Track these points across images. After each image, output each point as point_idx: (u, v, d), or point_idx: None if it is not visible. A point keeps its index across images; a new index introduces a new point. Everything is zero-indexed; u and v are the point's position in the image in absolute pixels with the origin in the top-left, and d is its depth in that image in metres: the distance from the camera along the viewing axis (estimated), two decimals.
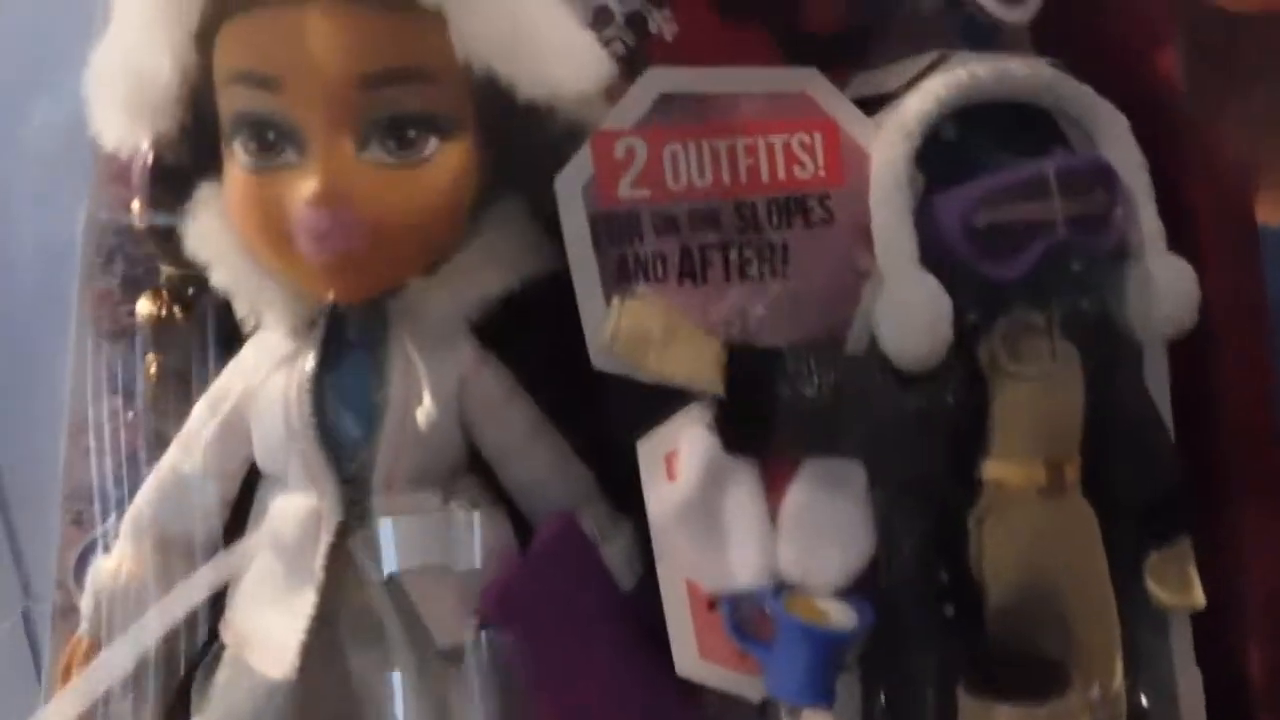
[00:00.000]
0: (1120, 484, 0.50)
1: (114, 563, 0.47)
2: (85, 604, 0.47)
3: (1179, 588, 0.52)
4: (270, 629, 0.44)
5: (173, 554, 0.47)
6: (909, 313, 0.45)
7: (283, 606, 0.44)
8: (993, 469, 0.47)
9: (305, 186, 0.40)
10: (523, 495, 0.49)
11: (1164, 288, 0.47)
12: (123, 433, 0.50)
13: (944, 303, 0.45)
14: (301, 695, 0.44)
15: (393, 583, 0.44)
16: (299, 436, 0.44)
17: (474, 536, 0.45)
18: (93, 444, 0.50)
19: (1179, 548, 0.52)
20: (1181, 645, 0.53)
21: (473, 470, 0.49)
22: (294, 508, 0.45)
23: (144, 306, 0.49)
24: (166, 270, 0.49)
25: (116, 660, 0.43)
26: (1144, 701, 0.52)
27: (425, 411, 0.42)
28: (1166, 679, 0.53)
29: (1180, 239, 0.50)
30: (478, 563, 0.45)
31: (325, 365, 0.44)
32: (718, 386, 0.46)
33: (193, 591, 0.44)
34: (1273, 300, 0.55)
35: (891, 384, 0.46)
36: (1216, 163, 0.51)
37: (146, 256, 0.49)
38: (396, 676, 0.43)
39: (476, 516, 0.46)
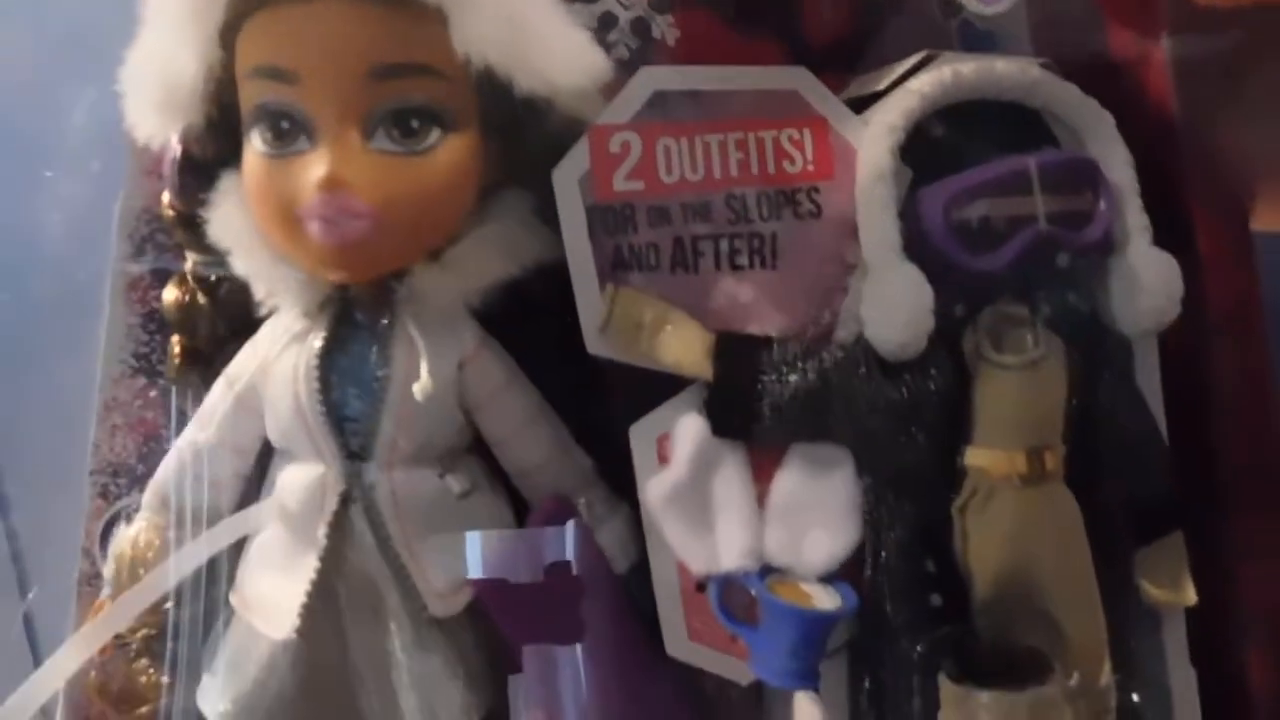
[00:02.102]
0: (1111, 481, 0.51)
1: (134, 531, 0.49)
2: (107, 570, 0.50)
3: (1170, 584, 0.52)
4: (274, 592, 0.47)
5: (188, 524, 0.49)
6: (891, 301, 0.46)
7: (286, 571, 0.46)
8: (974, 456, 0.47)
9: (314, 172, 0.43)
10: (522, 479, 0.51)
11: (1148, 281, 0.48)
12: (147, 412, 0.53)
13: (925, 291, 0.46)
14: (303, 656, 0.46)
15: (389, 551, 0.46)
16: (306, 410, 0.46)
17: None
18: (119, 422, 0.53)
19: (1170, 544, 0.52)
20: (1175, 644, 0.53)
21: (475, 452, 0.52)
22: (300, 479, 0.47)
23: (169, 293, 0.52)
24: (192, 258, 0.52)
25: (122, 613, 0.45)
26: (1135, 698, 0.52)
27: (422, 386, 0.44)
28: (1160, 678, 0.53)
29: (1175, 242, 0.51)
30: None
31: (333, 345, 0.47)
32: (706, 371, 0.48)
33: (202, 549, 0.47)
34: (1270, 305, 0.55)
35: (875, 372, 0.47)
36: (1211, 164, 0.52)
37: (176, 245, 0.52)
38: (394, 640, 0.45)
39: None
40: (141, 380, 0.53)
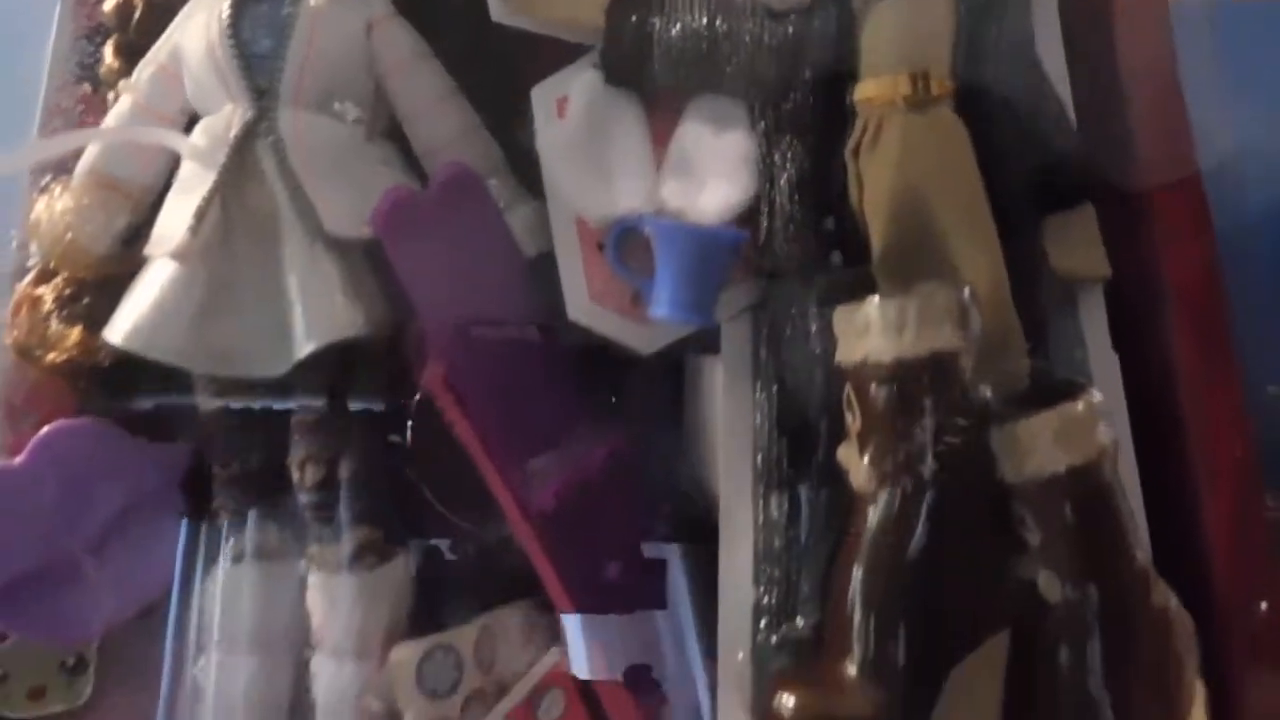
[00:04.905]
0: (1015, 149, 0.51)
1: (50, 199, 0.51)
2: (32, 243, 0.53)
3: (1081, 255, 0.51)
4: (174, 215, 0.48)
5: (110, 191, 0.51)
6: None
7: (187, 194, 0.48)
8: (861, 90, 0.48)
9: None
10: (431, 159, 0.53)
11: None
12: (88, 117, 0.56)
13: None
14: (199, 276, 0.47)
15: (290, 179, 0.48)
16: (217, 47, 0.49)
17: None
18: (60, 125, 0.56)
19: (1080, 214, 0.51)
20: (1093, 325, 0.52)
21: (393, 139, 0.53)
22: (211, 120, 0.49)
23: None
24: None
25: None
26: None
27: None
28: (1080, 361, 0.52)
29: None
30: None
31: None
32: (600, 22, 0.50)
33: (98, 135, 0.49)
34: None
35: (762, 14, 0.49)
36: None
37: None
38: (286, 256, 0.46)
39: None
40: (85, 88, 0.56)
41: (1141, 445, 0.50)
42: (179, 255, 0.46)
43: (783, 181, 0.49)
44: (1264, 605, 0.51)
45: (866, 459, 0.46)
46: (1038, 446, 0.45)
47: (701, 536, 0.51)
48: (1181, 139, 0.53)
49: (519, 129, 0.54)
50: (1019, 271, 0.50)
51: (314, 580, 0.47)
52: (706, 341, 0.52)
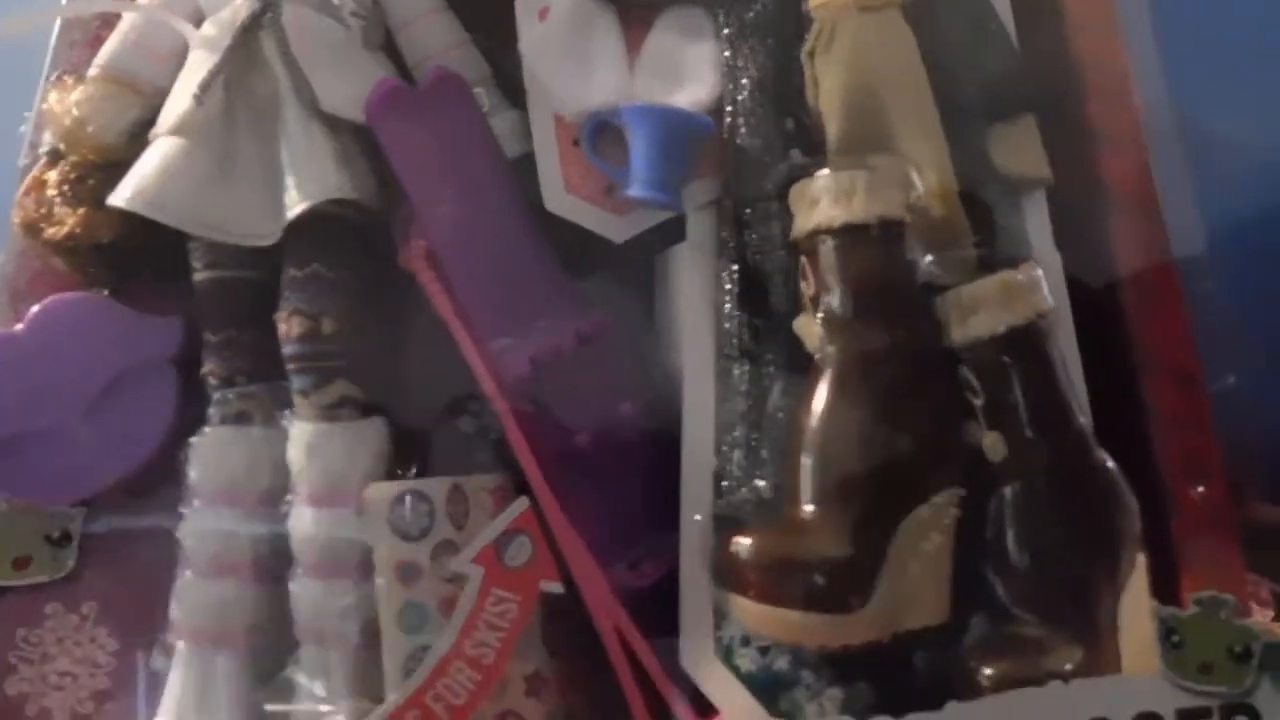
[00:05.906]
0: (958, 60, 0.55)
1: (61, 90, 0.55)
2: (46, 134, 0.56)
3: (1023, 160, 0.55)
4: (178, 96, 0.52)
5: (122, 87, 0.55)
6: None
7: (192, 75, 0.51)
8: None
9: None
10: (420, 69, 0.56)
11: None
12: (104, 31, 0.60)
13: None
14: (200, 148, 0.50)
15: (290, 63, 0.51)
16: None
17: None
18: (78, 38, 0.59)
19: (1022, 124, 0.55)
20: (1037, 225, 0.55)
21: (387, 52, 0.57)
22: (218, 13, 0.53)
23: None
24: None
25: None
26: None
27: None
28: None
29: None
30: None
31: None
32: None
33: (118, 5, 0.53)
34: None
35: None
36: None
37: None
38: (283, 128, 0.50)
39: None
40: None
41: (1085, 343, 0.54)
42: (183, 126, 0.50)
43: (744, 80, 0.53)
44: (1200, 489, 0.54)
45: (819, 319, 0.49)
46: (980, 309, 0.48)
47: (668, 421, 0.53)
48: (1116, 60, 0.58)
49: (504, 55, 0.59)
50: (965, 173, 0.54)
51: (295, 432, 0.49)
52: (673, 241, 0.56)
